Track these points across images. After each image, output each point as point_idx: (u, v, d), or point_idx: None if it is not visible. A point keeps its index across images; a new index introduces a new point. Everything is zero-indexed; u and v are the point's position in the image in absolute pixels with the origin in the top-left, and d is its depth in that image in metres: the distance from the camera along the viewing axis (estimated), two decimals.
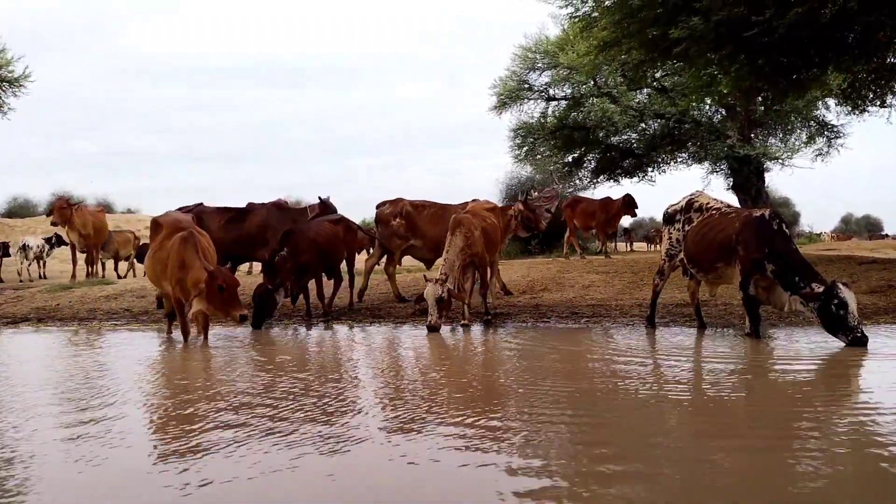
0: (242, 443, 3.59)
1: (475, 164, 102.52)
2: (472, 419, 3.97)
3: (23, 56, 16.60)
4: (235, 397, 4.70)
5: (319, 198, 11.09)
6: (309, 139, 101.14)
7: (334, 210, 10.67)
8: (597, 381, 5.07)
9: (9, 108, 16.89)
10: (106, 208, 17.54)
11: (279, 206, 11.07)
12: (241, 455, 3.40)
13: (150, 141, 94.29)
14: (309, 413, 4.19)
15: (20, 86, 16.58)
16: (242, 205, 10.98)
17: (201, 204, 10.71)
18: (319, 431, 3.78)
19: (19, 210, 38.81)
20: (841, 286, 6.17)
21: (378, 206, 10.94)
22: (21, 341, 8.54)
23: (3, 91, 16.60)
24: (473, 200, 10.28)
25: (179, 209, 10.18)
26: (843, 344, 6.08)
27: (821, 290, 6.18)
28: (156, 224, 8.22)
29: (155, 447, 3.68)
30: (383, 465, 3.27)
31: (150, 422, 4.29)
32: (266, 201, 11.14)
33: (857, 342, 6.00)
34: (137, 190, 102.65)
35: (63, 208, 15.09)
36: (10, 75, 16.43)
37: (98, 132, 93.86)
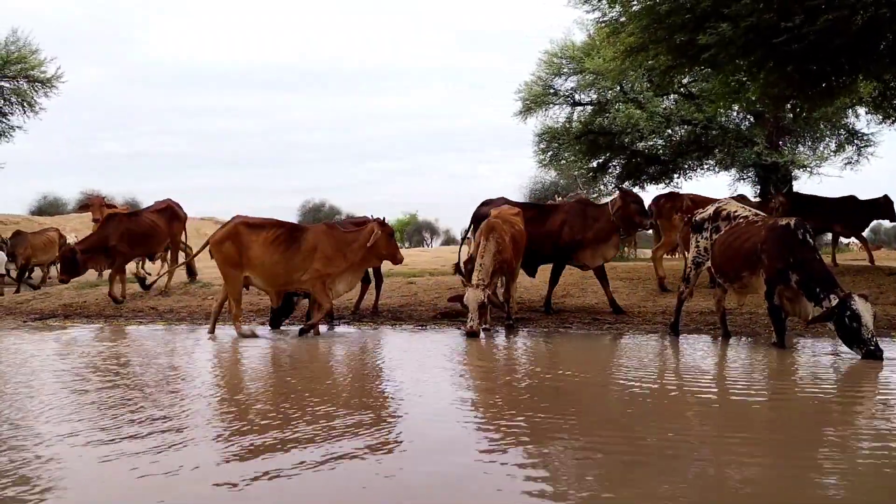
0: None
1: (496, 169, 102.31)
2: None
3: (55, 57, 16.87)
4: None
5: (619, 188, 11.08)
6: (330, 143, 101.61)
7: (638, 201, 9.84)
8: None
9: (40, 108, 17.17)
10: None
11: (583, 203, 10.41)
12: None
13: (174, 143, 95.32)
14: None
15: (52, 86, 16.86)
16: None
17: (503, 198, 10.43)
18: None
19: (48, 208, 39.40)
20: (856, 298, 6.08)
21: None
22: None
23: (36, 91, 16.88)
24: (501, 198, 10.24)
25: (484, 203, 10.18)
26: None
27: (835, 302, 6.11)
28: None
29: None
30: None
31: None
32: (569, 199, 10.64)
33: (870, 355, 5.93)
34: (162, 190, 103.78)
35: (102, 205, 15.30)
36: (42, 75, 16.70)
37: (124, 134, 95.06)
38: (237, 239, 8.38)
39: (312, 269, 8.39)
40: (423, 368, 6.07)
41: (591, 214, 9.82)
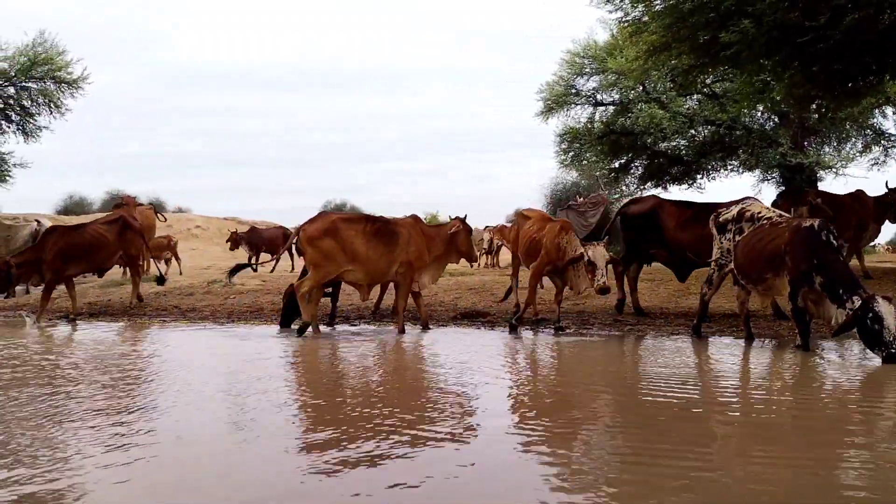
0: None
1: (516, 170, 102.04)
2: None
3: (81, 59, 17.05)
4: None
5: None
6: (349, 143, 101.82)
7: None
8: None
9: (66, 109, 17.38)
10: (157, 207, 17.78)
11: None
12: None
13: (196, 144, 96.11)
14: None
15: (78, 87, 17.06)
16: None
17: (654, 197, 10.21)
18: None
19: (74, 208, 39.87)
20: (880, 301, 6.00)
21: None
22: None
23: (62, 92, 17.09)
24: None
25: (632, 201, 9.89)
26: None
27: (858, 303, 6.03)
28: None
29: None
30: None
31: None
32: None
33: (892, 358, 5.84)
34: (183, 190, 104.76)
35: (136, 205, 15.55)
36: (68, 77, 16.91)
37: (147, 135, 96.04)
38: (337, 234, 8.38)
39: (406, 262, 8.54)
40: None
41: None
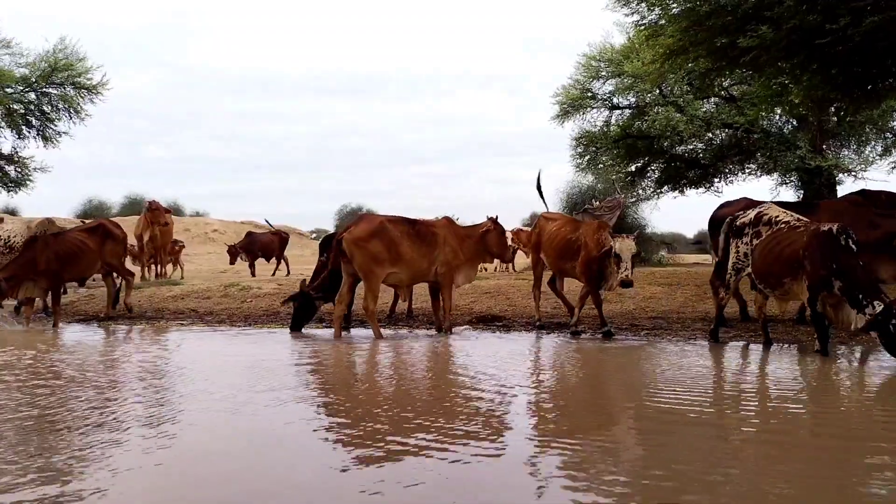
0: None
1: (532, 175, 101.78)
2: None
3: (101, 65, 17.27)
4: None
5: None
6: (369, 149, 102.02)
7: None
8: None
9: (86, 115, 17.58)
10: (175, 211, 17.98)
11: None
12: None
13: (216, 149, 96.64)
14: None
15: (98, 93, 17.26)
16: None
17: (746, 199, 9.65)
18: None
19: (94, 211, 40.22)
20: None
21: None
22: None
23: (82, 97, 17.29)
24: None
25: (723, 205, 9.63)
26: None
27: (879, 308, 5.97)
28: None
29: None
30: None
31: None
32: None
33: None
34: (204, 195, 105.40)
35: (161, 211, 15.69)
36: (88, 82, 17.11)
37: (168, 140, 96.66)
38: (385, 235, 8.39)
39: (444, 262, 8.64)
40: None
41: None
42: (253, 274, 18.15)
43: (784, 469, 3.41)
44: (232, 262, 19.79)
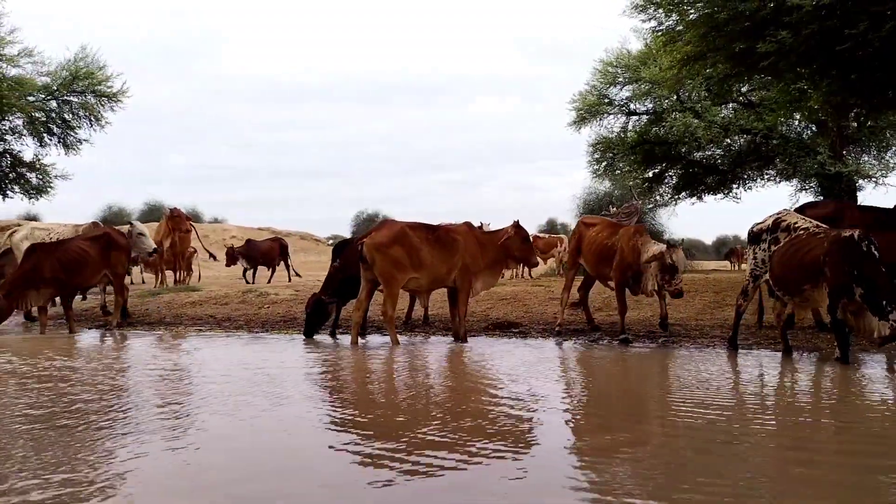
0: None
1: (550, 181, 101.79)
2: None
3: (121, 73, 17.41)
4: None
5: None
6: (387, 155, 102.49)
7: None
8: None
9: (106, 122, 17.74)
10: (193, 218, 18.09)
11: None
12: None
13: (236, 156, 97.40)
14: None
15: (118, 101, 17.42)
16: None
17: (835, 201, 9.63)
18: None
19: (114, 218, 40.60)
20: None
21: None
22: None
23: (102, 105, 17.45)
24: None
25: (807, 205, 9.43)
26: None
27: None
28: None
29: None
30: None
31: None
32: None
33: None
34: (224, 202, 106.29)
35: (184, 218, 15.80)
36: (108, 90, 17.28)
37: (189, 147, 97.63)
38: (406, 241, 8.38)
39: (464, 267, 8.63)
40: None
41: None
42: (251, 281, 18.19)
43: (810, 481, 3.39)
44: (228, 265, 19.82)
